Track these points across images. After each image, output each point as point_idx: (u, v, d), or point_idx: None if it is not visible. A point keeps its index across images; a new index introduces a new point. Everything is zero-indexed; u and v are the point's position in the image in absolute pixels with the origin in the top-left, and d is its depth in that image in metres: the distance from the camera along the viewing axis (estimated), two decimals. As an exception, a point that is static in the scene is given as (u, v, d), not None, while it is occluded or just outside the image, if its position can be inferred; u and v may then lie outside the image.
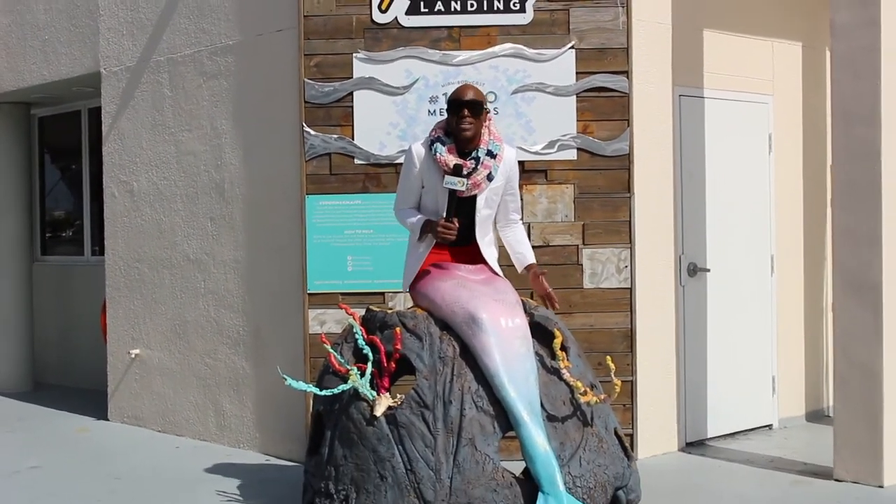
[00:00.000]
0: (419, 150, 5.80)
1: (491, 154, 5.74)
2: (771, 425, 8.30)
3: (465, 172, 5.68)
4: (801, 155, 8.43)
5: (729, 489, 6.65)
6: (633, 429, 7.28)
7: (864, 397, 6.55)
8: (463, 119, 5.67)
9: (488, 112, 5.81)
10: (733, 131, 7.98)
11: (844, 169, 6.62)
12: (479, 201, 5.77)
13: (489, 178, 5.74)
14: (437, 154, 5.70)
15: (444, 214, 5.69)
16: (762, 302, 8.19)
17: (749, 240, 8.11)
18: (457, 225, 5.69)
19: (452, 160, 5.68)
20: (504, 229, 6.07)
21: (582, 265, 7.26)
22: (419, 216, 5.80)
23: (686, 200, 7.66)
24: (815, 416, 8.51)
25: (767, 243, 8.21)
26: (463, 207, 5.75)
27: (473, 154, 5.73)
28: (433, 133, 5.82)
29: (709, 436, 7.86)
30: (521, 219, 6.13)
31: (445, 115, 5.87)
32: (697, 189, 7.73)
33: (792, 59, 8.34)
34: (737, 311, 8.01)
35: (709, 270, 7.77)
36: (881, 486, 6.47)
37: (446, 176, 5.67)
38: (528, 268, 6.02)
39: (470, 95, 5.68)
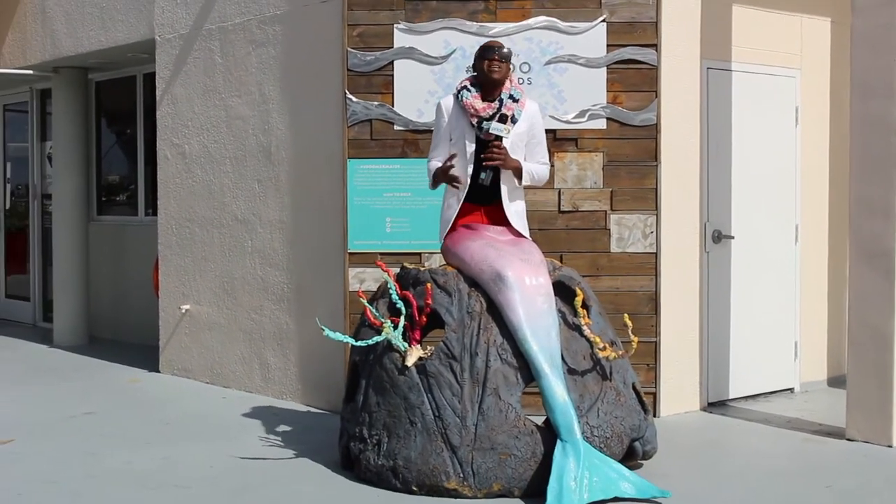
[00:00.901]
0: (447, 101, 6.21)
1: (513, 98, 6.10)
2: (793, 389, 8.59)
3: (505, 116, 6.05)
4: (828, 128, 8.68)
5: (743, 445, 6.98)
6: (655, 387, 7.62)
7: (876, 361, 6.83)
8: (493, 62, 6.06)
9: (512, 67, 6.16)
10: (760, 104, 8.25)
11: (861, 141, 6.88)
12: (505, 145, 6.11)
13: (512, 119, 6.09)
14: (464, 99, 6.09)
15: (473, 163, 6.06)
16: (786, 269, 8.47)
17: (774, 209, 8.38)
18: (460, 178, 6.07)
19: (479, 104, 6.05)
20: None
21: (609, 230, 7.58)
22: (435, 164, 6.18)
23: (712, 170, 7.95)
24: (837, 381, 8.77)
25: (792, 213, 8.48)
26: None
27: (497, 98, 6.09)
28: (460, 84, 6.21)
29: (730, 397, 8.17)
30: (548, 163, 6.38)
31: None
32: (724, 159, 8.02)
33: (820, 34, 8.58)
34: (760, 277, 8.29)
35: (733, 238, 8.06)
36: (890, 446, 6.75)
37: (492, 124, 6.04)
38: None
39: (501, 44, 6.10)
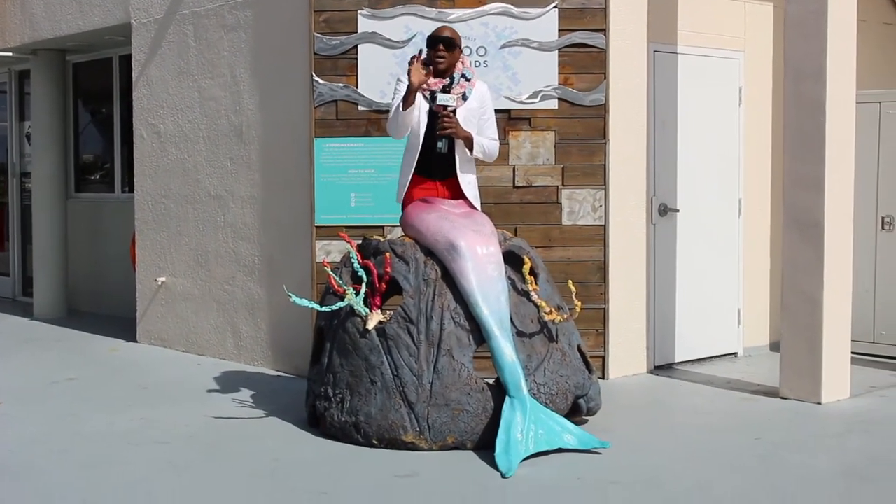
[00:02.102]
0: (404, 77, 6.59)
1: (465, 77, 6.58)
2: (736, 353, 9.12)
3: (448, 87, 6.51)
4: (771, 108, 9.17)
5: (684, 403, 7.50)
6: (604, 351, 8.13)
7: (806, 325, 7.34)
8: (438, 52, 6.52)
9: (461, 50, 6.63)
10: (705, 84, 8.74)
11: (794, 121, 7.38)
12: (458, 118, 6.55)
13: (464, 97, 6.56)
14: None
15: (423, 135, 6.53)
16: (729, 241, 8.98)
17: (718, 184, 8.88)
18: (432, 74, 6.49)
19: (431, 80, 6.50)
20: None
21: (561, 204, 8.06)
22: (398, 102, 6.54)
23: (658, 147, 8.44)
24: (778, 346, 9.26)
25: (736, 187, 8.99)
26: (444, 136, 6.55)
27: (449, 76, 6.56)
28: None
29: (676, 360, 8.69)
30: (497, 140, 6.80)
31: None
32: (669, 137, 8.51)
33: (763, 18, 9.06)
34: (705, 248, 8.80)
35: (678, 211, 8.57)
36: (819, 403, 7.28)
37: (438, 94, 6.49)
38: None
39: (445, 34, 6.56)
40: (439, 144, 6.54)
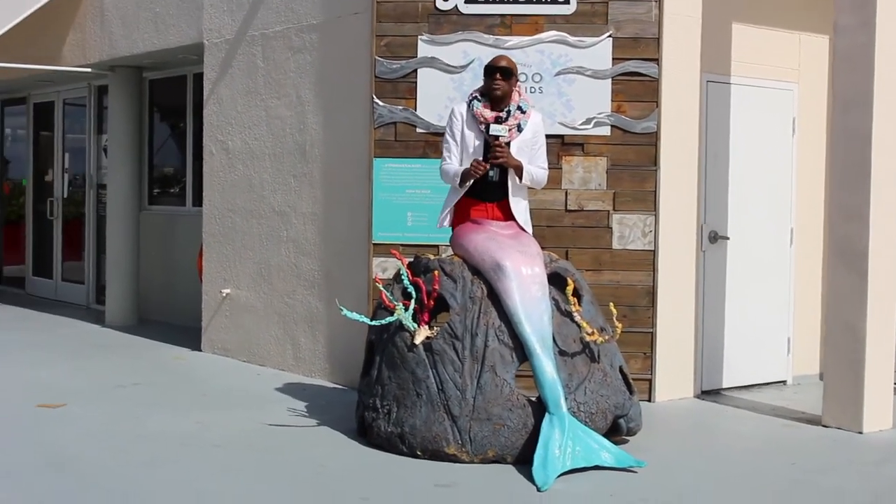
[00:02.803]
0: (460, 108, 6.95)
1: (521, 110, 6.83)
2: (785, 381, 9.21)
3: (502, 122, 6.76)
4: (824, 138, 9.28)
5: (726, 428, 7.65)
6: (651, 374, 8.29)
7: (849, 354, 7.44)
8: (495, 80, 6.78)
9: (517, 79, 6.90)
10: (759, 115, 8.89)
11: (841, 151, 7.50)
12: (512, 149, 6.81)
13: (519, 128, 6.81)
14: (475, 108, 6.81)
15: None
16: (780, 270, 9.10)
17: (770, 213, 9.01)
18: (486, 165, 6.74)
19: (488, 112, 6.78)
20: None
21: (611, 228, 8.26)
22: (461, 167, 6.88)
23: (709, 175, 8.60)
24: (829, 374, 9.38)
25: (788, 217, 9.11)
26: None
27: (505, 109, 6.80)
28: (471, 94, 6.95)
29: (724, 386, 8.81)
30: (547, 168, 7.06)
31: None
32: (721, 165, 8.66)
33: (818, 51, 9.19)
34: (755, 276, 8.93)
35: (728, 238, 8.71)
36: (860, 432, 7.37)
37: (492, 126, 6.76)
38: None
39: (502, 63, 6.81)
40: (490, 173, 6.79)
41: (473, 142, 6.85)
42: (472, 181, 6.81)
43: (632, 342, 8.12)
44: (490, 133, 6.76)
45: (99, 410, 7.73)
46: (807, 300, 9.28)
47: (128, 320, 12.25)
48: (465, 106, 6.96)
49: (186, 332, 11.31)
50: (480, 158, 6.81)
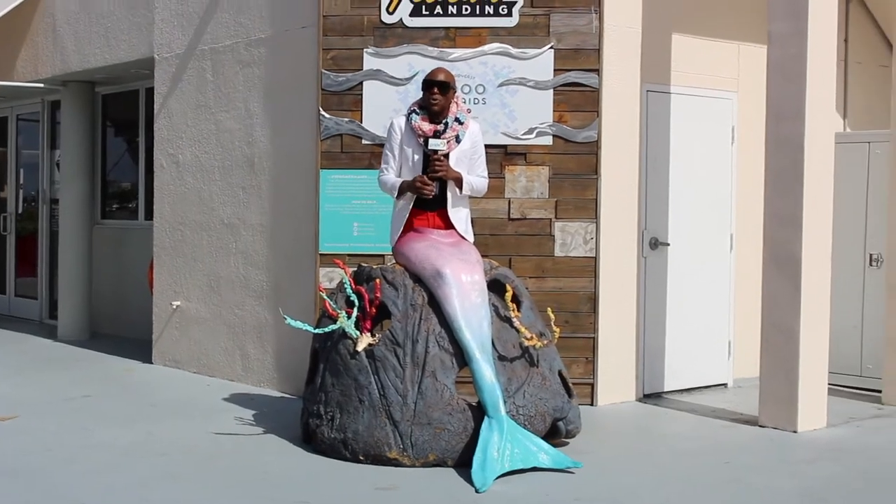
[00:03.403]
0: (399, 121, 7.08)
1: (458, 121, 6.97)
2: (726, 384, 9.39)
3: (441, 136, 6.89)
4: (763, 146, 9.43)
5: (664, 429, 7.81)
6: (593, 379, 8.44)
7: (783, 355, 7.62)
8: (433, 95, 6.92)
9: (455, 91, 7.04)
10: (698, 123, 9.07)
11: (774, 159, 7.70)
12: (451, 159, 6.95)
13: (457, 139, 6.95)
14: (414, 121, 6.95)
15: (422, 173, 6.92)
16: (720, 275, 9.28)
17: (710, 219, 9.20)
18: (433, 185, 6.90)
19: (426, 125, 6.91)
20: None
21: (554, 236, 8.41)
22: (397, 179, 7.02)
23: (650, 183, 8.77)
24: (771, 378, 9.57)
25: (727, 223, 9.30)
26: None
27: (443, 121, 6.95)
28: (411, 107, 7.08)
29: (666, 389, 8.98)
30: (487, 177, 7.22)
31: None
32: (661, 173, 8.84)
33: (756, 60, 9.35)
34: (696, 282, 9.11)
35: (669, 245, 8.88)
36: (795, 432, 7.55)
37: (430, 140, 6.89)
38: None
39: (439, 77, 6.95)
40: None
41: (413, 155, 6.99)
42: (412, 195, 6.96)
43: (574, 347, 8.28)
44: (429, 147, 6.89)
45: (49, 422, 7.79)
46: (747, 304, 9.45)
47: (80, 334, 12.28)
48: (404, 119, 7.10)
49: (138, 345, 11.36)
50: (421, 171, 6.95)
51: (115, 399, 8.77)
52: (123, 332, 12.33)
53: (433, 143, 6.88)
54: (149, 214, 11.88)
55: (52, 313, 13.60)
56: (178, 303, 10.13)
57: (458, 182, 6.98)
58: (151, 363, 10.46)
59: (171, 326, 10.23)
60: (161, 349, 10.38)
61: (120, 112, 12.74)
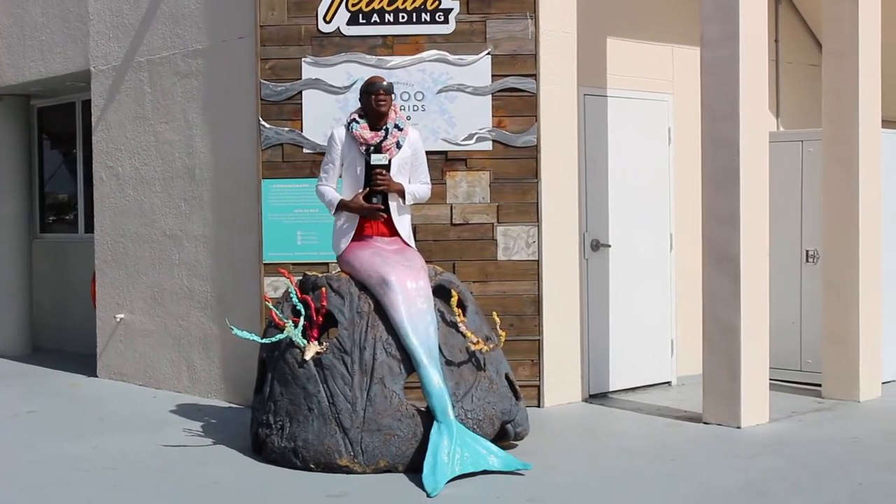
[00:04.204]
0: (340, 132, 7.13)
1: (398, 127, 7.04)
2: (670, 382, 9.53)
3: (381, 144, 6.97)
4: (699, 146, 9.58)
5: (611, 429, 7.91)
6: (539, 381, 8.53)
7: (725, 352, 7.76)
8: (380, 96, 6.99)
9: (393, 98, 7.12)
10: (635, 126, 9.20)
11: (711, 159, 7.84)
12: (392, 167, 7.02)
13: (398, 146, 7.02)
14: (354, 130, 7.01)
15: (363, 185, 6.98)
16: (661, 274, 9.42)
17: (649, 220, 9.33)
18: (382, 210, 6.98)
19: (367, 133, 6.97)
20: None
21: (496, 240, 8.49)
22: (335, 195, 7.09)
23: (590, 185, 8.89)
24: (713, 374, 9.72)
25: (667, 223, 9.44)
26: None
27: (384, 128, 7.01)
28: (350, 117, 7.14)
29: (611, 389, 9.09)
30: (429, 183, 7.32)
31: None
32: (600, 176, 8.96)
33: (690, 62, 9.47)
34: (637, 281, 9.23)
35: (610, 246, 9.00)
36: (738, 427, 7.69)
37: (372, 156, 6.94)
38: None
39: (383, 81, 7.05)
40: (374, 199, 6.99)
41: (356, 165, 7.04)
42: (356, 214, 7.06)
43: (519, 350, 8.36)
44: (372, 163, 6.94)
45: (-7, 439, 7.75)
46: (688, 303, 9.59)
47: (22, 349, 12.17)
48: (343, 129, 7.14)
49: (82, 359, 11.29)
50: (363, 182, 7.00)
51: (61, 413, 8.72)
52: (66, 346, 12.24)
53: (375, 159, 6.94)
54: (89, 227, 11.82)
55: (-9, 329, 13.45)
56: (122, 315, 10.08)
57: (401, 194, 7.05)
58: (96, 376, 10.40)
59: (116, 339, 10.18)
60: (106, 362, 10.32)
61: (56, 125, 12.65)
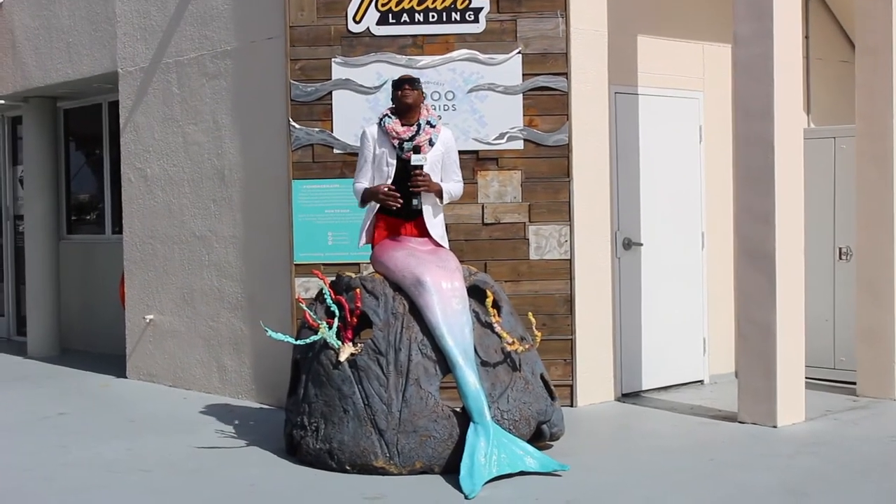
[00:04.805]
0: (372, 130, 7.13)
1: (430, 124, 7.03)
2: (702, 381, 9.48)
3: (414, 139, 6.96)
4: (730, 144, 9.56)
5: (645, 428, 7.87)
6: (573, 380, 8.49)
7: (760, 351, 7.71)
8: (405, 90, 6.99)
9: (423, 95, 7.12)
10: (666, 123, 9.15)
11: (744, 157, 7.78)
12: (425, 166, 6.99)
13: (430, 143, 7.00)
14: (387, 124, 7.00)
15: (392, 179, 6.97)
16: (693, 272, 9.37)
17: (681, 218, 9.28)
18: (399, 196, 6.94)
19: (400, 128, 6.97)
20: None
21: (528, 240, 8.45)
22: (365, 186, 7.07)
23: (621, 184, 8.84)
24: (745, 373, 9.66)
25: (698, 221, 9.38)
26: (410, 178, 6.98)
27: (416, 123, 7.00)
28: (382, 113, 7.15)
29: (643, 388, 9.05)
30: (461, 181, 7.30)
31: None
32: (632, 174, 8.91)
33: (721, 59, 9.48)
34: (669, 280, 9.18)
35: (642, 245, 8.95)
36: (775, 427, 7.64)
37: (413, 157, 6.92)
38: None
39: (407, 76, 7.07)
40: (415, 202, 6.99)
41: (387, 159, 7.02)
42: (375, 203, 7.06)
43: (552, 349, 8.32)
44: (411, 164, 6.92)
45: (26, 441, 7.73)
46: (720, 301, 9.56)
47: (50, 350, 12.19)
48: (375, 127, 7.12)
49: (110, 360, 11.30)
50: (394, 178, 6.97)
51: (92, 415, 8.72)
52: (94, 347, 12.25)
53: (416, 160, 6.92)
54: (116, 228, 11.84)
55: (20, 330, 13.49)
56: (152, 316, 10.08)
57: (439, 193, 7.03)
58: (126, 377, 10.40)
59: (145, 340, 10.18)
60: (135, 363, 10.33)
61: (83, 126, 12.66)
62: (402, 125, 7.03)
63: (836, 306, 9.33)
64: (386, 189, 6.95)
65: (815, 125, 10.35)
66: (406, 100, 6.99)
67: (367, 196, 7.08)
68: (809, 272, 8.83)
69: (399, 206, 6.96)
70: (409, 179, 6.95)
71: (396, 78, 7.10)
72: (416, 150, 6.98)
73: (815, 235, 9.18)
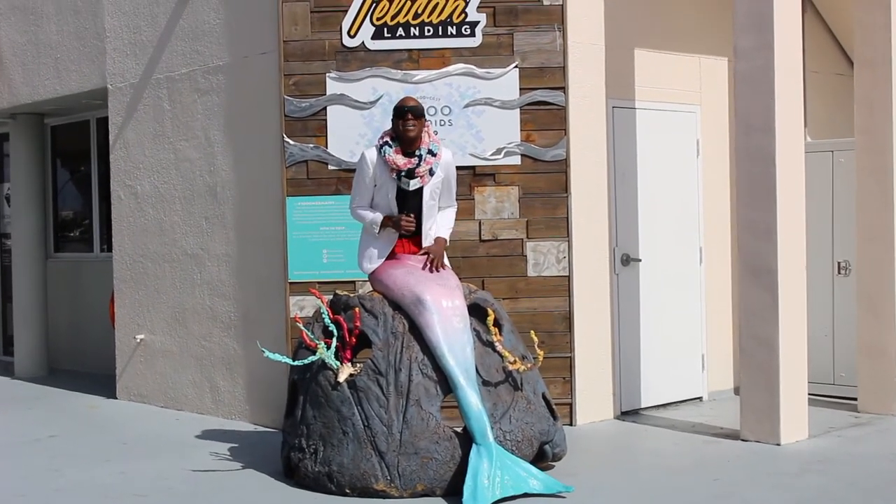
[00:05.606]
0: (371, 154, 6.93)
1: (431, 153, 6.88)
2: (701, 397, 9.38)
3: (414, 171, 6.83)
4: (728, 157, 9.49)
5: (648, 447, 7.76)
6: (571, 398, 8.37)
7: (763, 368, 7.61)
8: (407, 121, 6.81)
9: (426, 120, 6.95)
10: (664, 137, 9.06)
11: (745, 171, 7.69)
12: (425, 193, 6.89)
13: (431, 172, 6.87)
14: (386, 155, 6.83)
15: (396, 209, 6.85)
16: (692, 288, 9.27)
17: (679, 233, 9.19)
18: (413, 220, 6.85)
19: (400, 159, 6.80)
20: (441, 211, 7.14)
21: (526, 256, 8.34)
22: (376, 213, 6.92)
23: (619, 199, 8.74)
24: (744, 389, 9.56)
25: (696, 236, 9.29)
26: (412, 201, 6.87)
27: (416, 153, 6.84)
28: (381, 139, 6.97)
29: (642, 406, 8.94)
30: (455, 204, 7.24)
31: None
32: (630, 189, 8.81)
33: (718, 73, 9.41)
34: (668, 296, 9.08)
35: (640, 260, 8.85)
36: (778, 444, 7.53)
37: (410, 181, 6.79)
38: (436, 240, 7.05)
39: (410, 103, 6.87)
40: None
41: (387, 190, 6.89)
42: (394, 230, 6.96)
43: (551, 367, 8.19)
44: (409, 188, 6.86)
45: (17, 465, 7.58)
46: (718, 317, 9.46)
47: (38, 370, 12.03)
48: (374, 151, 6.96)
49: (99, 381, 11.14)
50: (396, 207, 6.87)
51: (83, 438, 8.56)
52: (83, 366, 12.09)
53: (412, 185, 6.86)
54: (105, 246, 11.69)
55: (6, 349, 13.31)
56: (142, 336, 9.93)
57: (445, 244, 7.09)
58: (116, 398, 10.25)
59: (136, 360, 10.03)
60: (125, 384, 10.17)
61: (70, 143, 12.51)
62: (404, 154, 6.88)
63: (835, 321, 9.25)
64: (404, 222, 6.87)
65: (811, 139, 10.28)
66: (409, 134, 6.82)
67: (386, 225, 6.95)
68: (808, 287, 8.74)
69: (411, 229, 6.91)
70: (408, 204, 6.89)
71: (398, 104, 6.92)
72: (410, 174, 6.86)
73: (813, 249, 9.09)
